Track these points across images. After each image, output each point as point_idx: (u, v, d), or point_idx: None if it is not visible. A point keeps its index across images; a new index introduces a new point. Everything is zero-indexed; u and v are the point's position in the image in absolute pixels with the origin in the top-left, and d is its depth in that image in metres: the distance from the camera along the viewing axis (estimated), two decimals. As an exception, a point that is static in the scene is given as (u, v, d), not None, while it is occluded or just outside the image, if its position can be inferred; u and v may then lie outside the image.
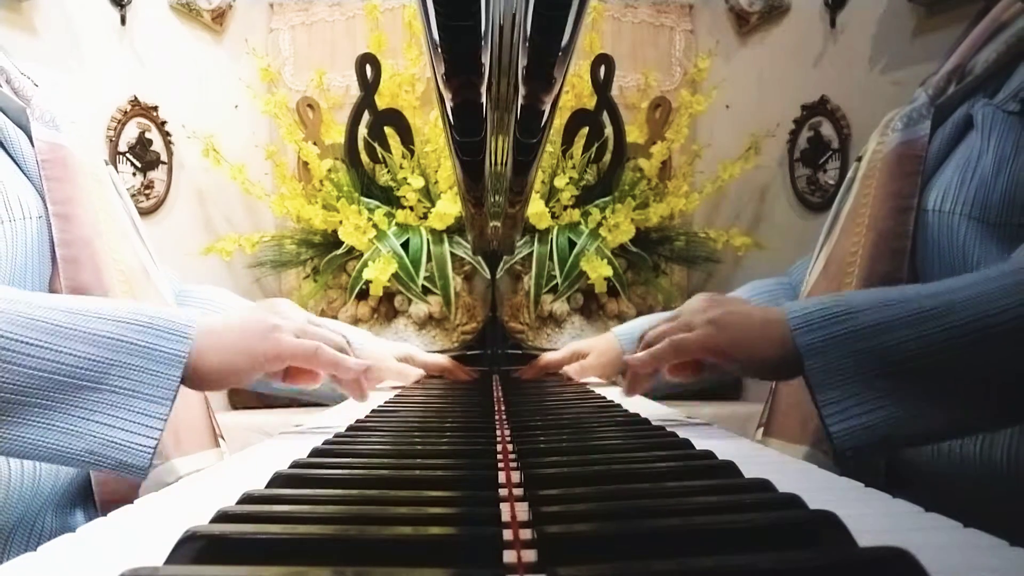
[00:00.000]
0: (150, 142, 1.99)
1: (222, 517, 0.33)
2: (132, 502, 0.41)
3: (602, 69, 1.96)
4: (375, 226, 1.82)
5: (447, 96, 0.47)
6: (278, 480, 0.42)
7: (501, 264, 1.76)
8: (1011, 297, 0.54)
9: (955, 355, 0.55)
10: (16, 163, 0.69)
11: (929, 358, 0.55)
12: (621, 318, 1.94)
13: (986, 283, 0.56)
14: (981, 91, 0.73)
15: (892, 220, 0.73)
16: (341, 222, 1.82)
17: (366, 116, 1.89)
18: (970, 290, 0.56)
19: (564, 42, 0.42)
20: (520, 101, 0.49)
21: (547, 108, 0.51)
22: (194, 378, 0.57)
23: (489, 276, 1.56)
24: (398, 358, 1.12)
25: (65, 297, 0.59)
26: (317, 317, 0.71)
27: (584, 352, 1.16)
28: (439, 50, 0.41)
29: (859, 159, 0.85)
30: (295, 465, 0.47)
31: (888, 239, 0.73)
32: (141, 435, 0.53)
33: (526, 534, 0.32)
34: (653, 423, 0.66)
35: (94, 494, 0.67)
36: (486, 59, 0.43)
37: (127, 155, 1.96)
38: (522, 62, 0.44)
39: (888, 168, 0.76)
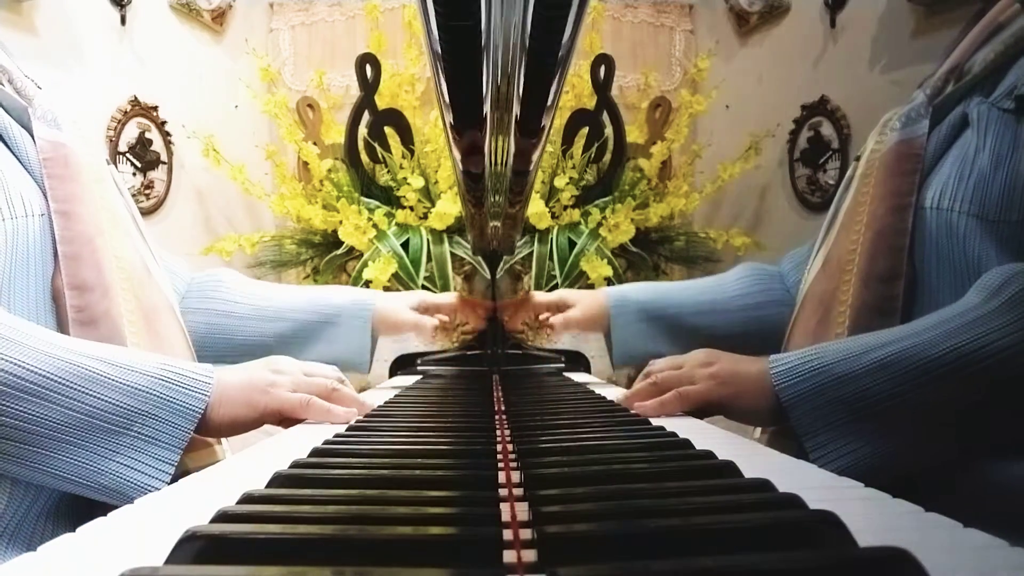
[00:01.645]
0: (150, 142, 1.99)
1: (222, 517, 0.33)
2: (132, 502, 0.41)
3: (602, 69, 1.96)
4: (375, 226, 1.82)
5: (447, 96, 0.47)
6: (278, 480, 0.42)
7: (501, 264, 1.76)
8: (958, 337, 0.60)
9: (914, 395, 0.61)
10: (19, 161, 0.70)
11: (891, 400, 0.61)
12: (621, 318, 1.94)
13: (935, 328, 0.62)
14: (978, 90, 0.73)
15: (891, 218, 0.74)
16: (341, 222, 1.82)
17: (366, 116, 1.89)
18: (922, 335, 0.62)
19: (564, 42, 0.42)
20: (520, 101, 0.49)
21: (547, 108, 0.51)
22: (206, 428, 0.64)
23: (489, 276, 1.56)
24: (412, 307, 1.11)
25: (101, 345, 0.64)
26: (313, 366, 0.78)
27: (571, 302, 1.14)
28: (439, 50, 0.41)
29: (858, 158, 0.85)
30: (295, 465, 0.47)
31: (887, 237, 0.74)
32: (154, 478, 0.59)
33: (526, 534, 0.32)
34: (653, 423, 0.66)
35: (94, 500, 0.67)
36: (486, 59, 0.43)
37: (127, 155, 1.96)
38: (522, 62, 0.44)
39: (886, 166, 0.77)
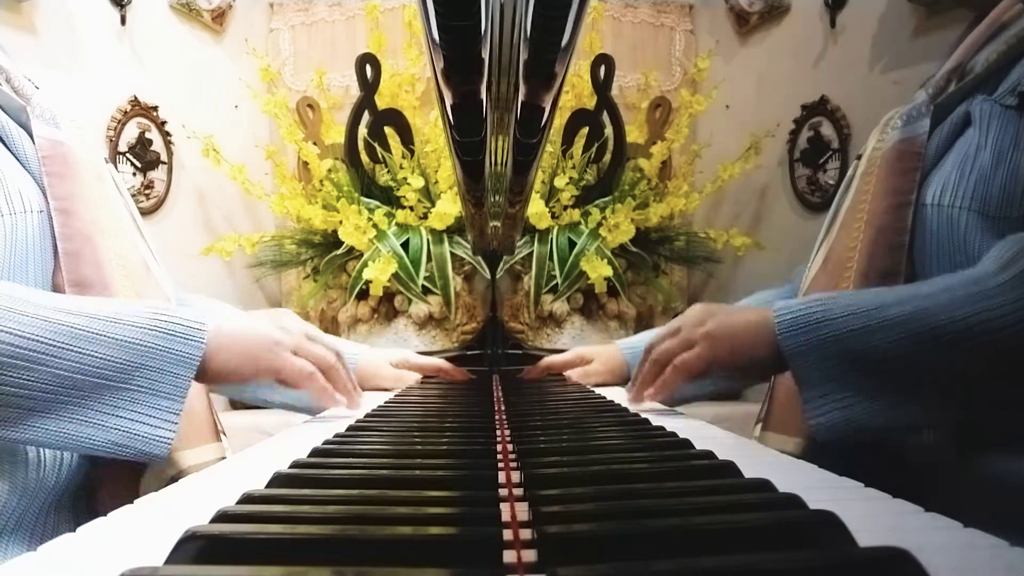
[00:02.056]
0: (150, 142, 1.99)
1: (222, 517, 0.33)
2: (132, 502, 0.41)
3: (602, 69, 1.96)
4: (375, 226, 1.82)
5: (447, 96, 0.47)
6: (278, 480, 0.42)
7: (501, 264, 1.76)
8: (967, 307, 0.60)
9: (921, 357, 0.61)
10: (17, 159, 0.70)
11: (899, 360, 0.61)
12: (621, 318, 1.94)
13: (948, 292, 0.62)
14: (981, 89, 0.73)
15: (891, 216, 0.74)
16: (341, 222, 1.82)
17: (366, 116, 1.89)
18: (935, 299, 0.62)
19: (564, 42, 0.42)
20: (520, 101, 0.49)
21: (547, 108, 0.51)
22: (202, 375, 0.63)
23: (489, 276, 1.57)
24: (394, 364, 1.12)
25: (88, 300, 0.63)
26: (315, 331, 0.76)
27: (589, 358, 1.16)
28: (439, 50, 0.41)
29: (859, 157, 0.85)
30: (295, 465, 0.47)
31: (887, 235, 0.74)
32: (162, 428, 0.59)
33: (526, 534, 0.32)
34: (653, 423, 0.66)
35: (92, 496, 0.67)
36: (486, 59, 0.43)
37: (127, 155, 1.96)
38: (522, 62, 0.44)
39: (887, 165, 0.77)
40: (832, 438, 0.63)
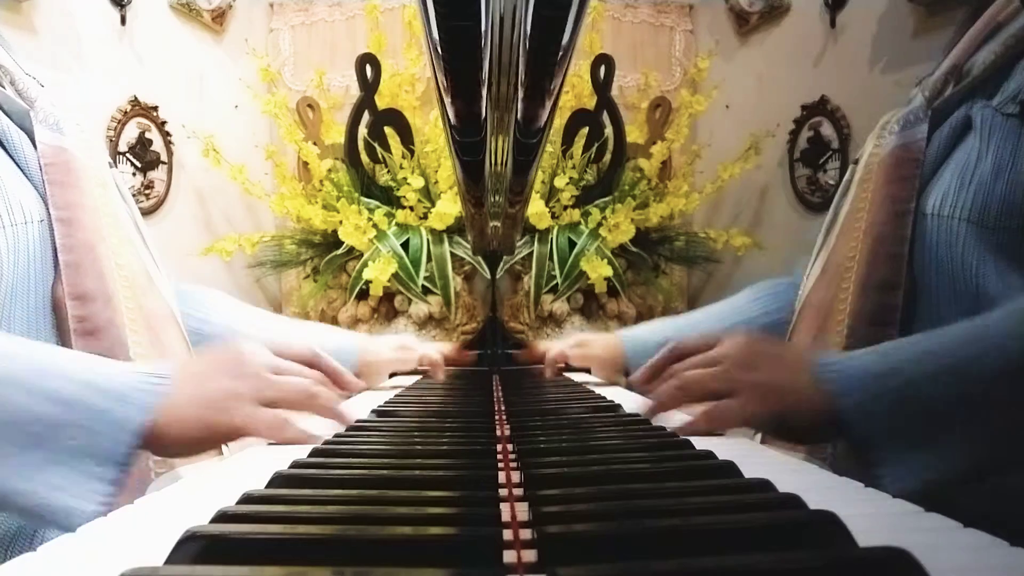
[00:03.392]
0: (150, 142, 1.99)
1: (222, 517, 0.33)
2: (132, 502, 0.41)
3: (602, 69, 1.96)
4: (375, 226, 1.82)
5: (447, 96, 0.47)
6: (278, 480, 0.42)
7: (501, 264, 1.76)
8: None
9: (994, 397, 0.54)
10: (18, 166, 0.68)
11: (982, 404, 0.54)
12: (621, 318, 1.94)
13: (1011, 317, 0.56)
14: (979, 92, 0.72)
15: (890, 225, 0.73)
16: (341, 222, 1.82)
17: (366, 116, 1.89)
18: (1000, 325, 0.56)
19: (564, 42, 0.42)
20: (520, 101, 0.49)
21: (547, 108, 0.51)
22: (151, 446, 0.55)
23: (489, 276, 1.56)
24: (393, 349, 1.13)
25: (28, 344, 0.56)
26: (286, 349, 0.66)
27: (587, 342, 1.17)
28: (439, 50, 0.41)
29: (856, 162, 0.84)
30: (295, 465, 0.47)
31: (886, 244, 0.72)
32: (83, 499, 0.50)
33: (526, 534, 0.32)
34: (652, 423, 0.66)
35: None
36: (486, 59, 0.43)
37: (127, 155, 1.96)
38: (522, 62, 0.44)
39: (885, 171, 0.76)
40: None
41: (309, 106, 2.01)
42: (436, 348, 1.18)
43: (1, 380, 0.50)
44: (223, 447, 0.78)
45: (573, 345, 1.17)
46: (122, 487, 0.52)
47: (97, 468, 0.51)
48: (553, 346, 1.19)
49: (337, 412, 0.65)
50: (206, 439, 0.58)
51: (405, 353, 1.13)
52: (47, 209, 0.68)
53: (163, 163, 2.01)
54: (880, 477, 0.53)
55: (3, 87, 0.70)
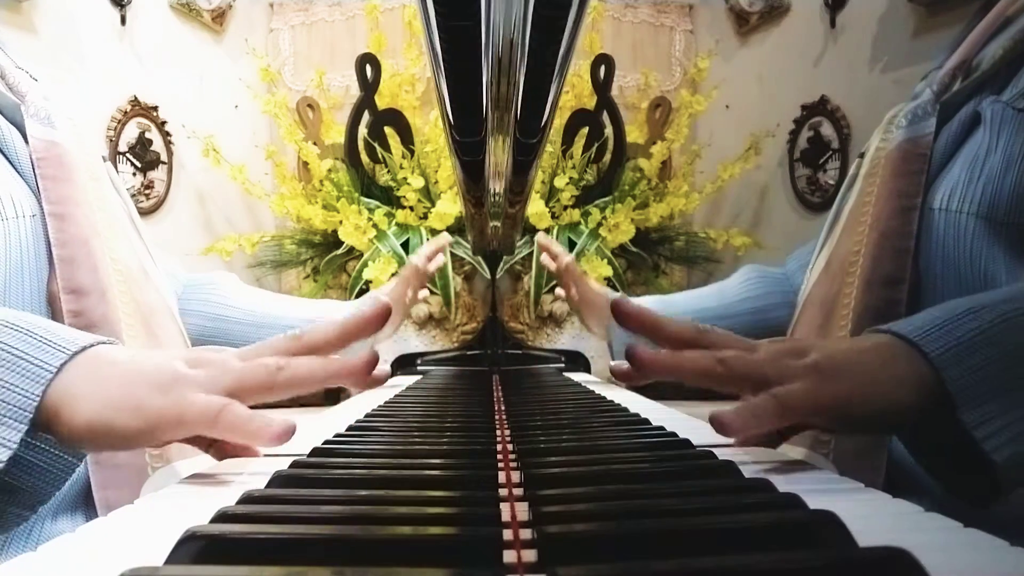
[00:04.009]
0: (150, 142, 1.99)
1: (222, 517, 0.33)
2: (132, 502, 0.41)
3: (602, 69, 1.96)
4: (375, 226, 1.82)
5: (447, 96, 0.47)
6: (278, 480, 0.42)
7: (501, 264, 1.76)
8: None
9: None
10: (9, 161, 0.68)
11: None
12: (621, 318, 1.94)
13: None
14: (988, 87, 0.71)
15: (896, 220, 0.72)
16: (341, 222, 1.82)
17: (366, 116, 1.89)
18: None
19: (564, 42, 0.42)
20: (520, 101, 0.49)
21: (547, 108, 0.51)
22: (57, 423, 0.44)
23: (489, 276, 1.56)
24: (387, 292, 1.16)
25: None
26: (255, 345, 0.53)
27: (587, 278, 1.19)
28: (439, 50, 0.41)
29: (861, 155, 0.84)
30: (295, 465, 0.47)
31: (891, 239, 0.72)
32: None
33: (526, 534, 0.32)
34: (653, 423, 0.66)
35: (94, 500, 0.67)
36: (486, 59, 0.43)
37: (127, 155, 1.96)
38: (522, 62, 0.44)
39: (892, 166, 0.75)
40: (1017, 478, 0.43)
41: (309, 106, 2.01)
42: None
43: None
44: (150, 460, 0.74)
45: (577, 267, 1.19)
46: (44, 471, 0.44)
47: None
48: (563, 255, 1.20)
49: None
50: (128, 427, 0.44)
51: (403, 273, 1.15)
52: (40, 204, 0.67)
53: (163, 163, 2.01)
54: (981, 439, 0.42)
55: None
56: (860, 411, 0.46)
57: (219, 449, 0.52)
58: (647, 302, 1.14)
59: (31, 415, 0.42)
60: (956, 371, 0.43)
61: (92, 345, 0.46)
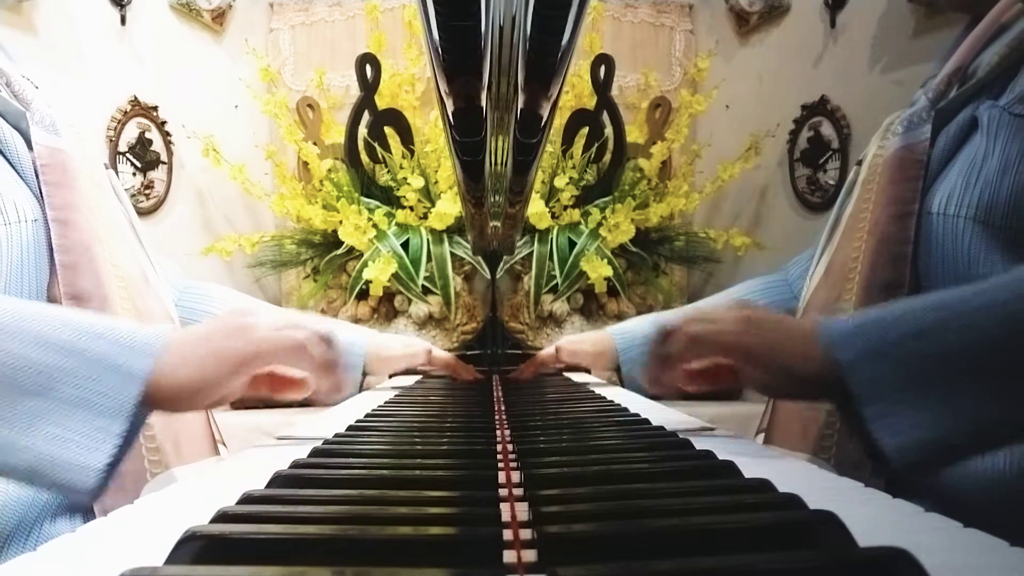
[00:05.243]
0: (150, 142, 1.99)
1: (222, 517, 0.33)
2: (132, 502, 0.41)
3: (602, 69, 1.96)
4: (375, 226, 1.82)
5: (447, 96, 0.47)
6: (278, 480, 0.42)
7: (501, 264, 1.76)
8: None
9: (1017, 351, 0.50)
10: (13, 167, 0.68)
11: (986, 359, 0.51)
12: (621, 318, 1.94)
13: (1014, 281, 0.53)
14: (985, 93, 0.72)
15: (893, 226, 0.73)
16: (341, 222, 1.82)
17: (366, 116, 1.89)
18: (1018, 284, 0.52)
19: (564, 42, 0.42)
20: (520, 101, 0.49)
21: (547, 108, 0.51)
22: (162, 397, 0.52)
23: (489, 276, 1.56)
24: (404, 346, 1.14)
25: (21, 301, 0.54)
26: (296, 314, 0.65)
27: (577, 341, 1.18)
28: (439, 50, 0.41)
29: (859, 163, 0.84)
30: (295, 465, 0.47)
31: (889, 245, 0.72)
32: (91, 451, 0.47)
33: (526, 534, 0.32)
34: (653, 423, 0.66)
35: (93, 505, 0.67)
36: (486, 59, 0.43)
37: (127, 155, 1.96)
38: (522, 62, 0.44)
39: (889, 172, 0.76)
40: (907, 464, 0.50)
41: (309, 106, 2.01)
42: (443, 355, 1.19)
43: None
44: (223, 453, 0.78)
45: (562, 345, 1.18)
46: (130, 446, 0.50)
47: (103, 420, 0.48)
48: (544, 356, 1.20)
49: (336, 365, 0.60)
50: (218, 373, 0.53)
51: (414, 350, 1.13)
52: (43, 210, 0.68)
53: (163, 163, 2.01)
54: (873, 433, 0.51)
55: None
56: (766, 364, 0.57)
57: (277, 388, 0.60)
58: (648, 321, 1.15)
59: (133, 408, 0.49)
60: (857, 374, 0.52)
61: (164, 332, 0.53)
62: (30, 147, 0.69)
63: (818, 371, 0.54)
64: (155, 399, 0.51)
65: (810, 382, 0.55)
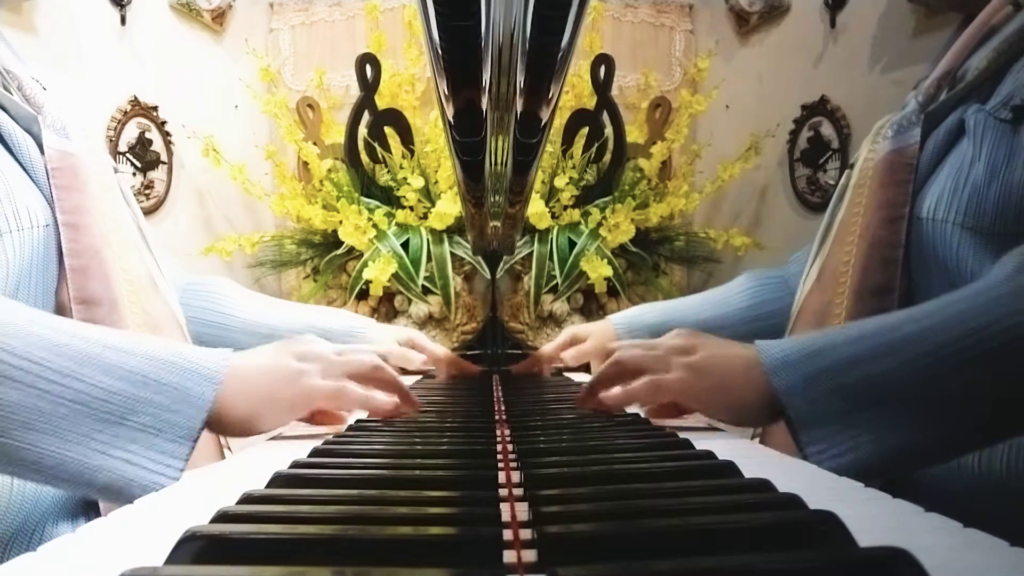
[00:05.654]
0: (150, 142, 1.99)
1: (222, 517, 0.33)
2: (132, 503, 0.41)
3: (602, 69, 1.96)
4: (375, 226, 1.82)
5: (447, 96, 0.47)
6: (278, 480, 0.42)
7: (501, 264, 1.76)
8: (991, 314, 0.53)
9: (942, 378, 0.54)
10: (25, 171, 0.68)
11: (915, 384, 0.54)
12: (621, 318, 1.94)
13: (952, 306, 0.56)
14: (973, 96, 0.72)
15: (884, 230, 0.73)
16: (341, 222, 1.82)
17: (366, 116, 1.89)
18: (950, 310, 0.56)
19: (564, 42, 0.42)
20: (520, 101, 0.49)
21: (547, 108, 0.51)
22: (218, 423, 0.57)
23: (489, 276, 1.57)
24: (400, 342, 1.12)
25: (90, 326, 0.57)
26: (345, 347, 0.69)
27: (582, 337, 1.15)
28: (439, 50, 0.41)
29: (851, 166, 0.84)
30: (295, 465, 0.47)
31: (880, 249, 0.72)
32: (161, 474, 0.51)
33: (526, 534, 0.32)
34: (653, 423, 0.66)
35: (97, 503, 0.67)
36: (486, 59, 0.43)
37: (127, 155, 1.96)
38: (522, 62, 0.44)
39: (879, 176, 0.76)
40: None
41: (309, 106, 2.01)
42: (440, 349, 1.18)
43: (78, 359, 0.51)
44: (228, 457, 0.78)
45: (564, 343, 1.16)
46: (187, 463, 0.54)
47: (172, 445, 0.52)
48: (547, 351, 1.19)
49: (396, 383, 0.69)
50: (272, 415, 0.60)
51: (411, 353, 1.11)
52: (53, 214, 0.68)
53: (163, 163, 2.01)
54: (810, 458, 0.54)
55: (10, 92, 0.70)
56: (718, 403, 0.62)
57: (318, 421, 0.67)
58: (651, 310, 1.15)
59: (198, 432, 0.53)
60: (796, 401, 0.55)
61: (227, 361, 0.57)
62: (42, 151, 0.69)
63: (764, 402, 0.57)
64: (212, 424, 0.56)
65: (758, 413, 0.59)
